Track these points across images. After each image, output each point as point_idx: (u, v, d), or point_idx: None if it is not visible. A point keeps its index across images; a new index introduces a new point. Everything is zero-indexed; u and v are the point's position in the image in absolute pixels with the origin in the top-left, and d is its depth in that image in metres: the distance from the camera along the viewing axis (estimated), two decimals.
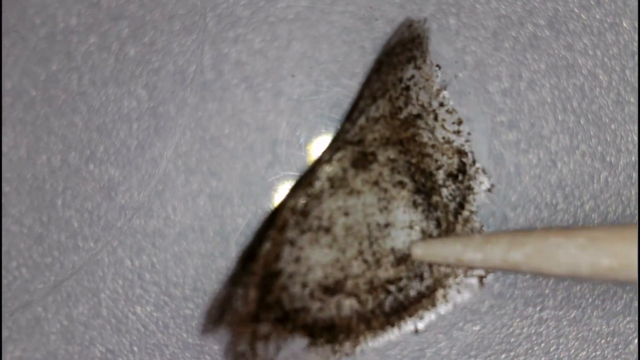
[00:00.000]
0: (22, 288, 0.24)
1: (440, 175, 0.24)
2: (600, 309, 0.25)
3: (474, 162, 0.24)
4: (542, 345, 0.25)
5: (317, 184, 0.23)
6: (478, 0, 0.25)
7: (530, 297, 0.25)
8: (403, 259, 0.23)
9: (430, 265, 0.23)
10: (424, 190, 0.23)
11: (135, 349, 0.24)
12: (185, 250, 0.24)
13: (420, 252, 0.22)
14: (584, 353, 0.25)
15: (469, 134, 0.24)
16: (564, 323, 0.25)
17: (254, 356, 0.23)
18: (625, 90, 0.25)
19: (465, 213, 0.24)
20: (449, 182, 0.24)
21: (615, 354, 0.25)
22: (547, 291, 0.25)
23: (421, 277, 0.24)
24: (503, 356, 0.25)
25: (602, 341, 0.25)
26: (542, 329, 0.25)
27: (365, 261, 0.23)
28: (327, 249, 0.23)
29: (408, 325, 0.24)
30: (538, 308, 0.25)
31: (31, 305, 0.24)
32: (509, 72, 0.25)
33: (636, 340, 0.25)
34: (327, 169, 0.23)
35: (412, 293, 0.24)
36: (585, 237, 0.18)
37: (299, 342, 0.23)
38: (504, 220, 0.25)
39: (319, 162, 0.24)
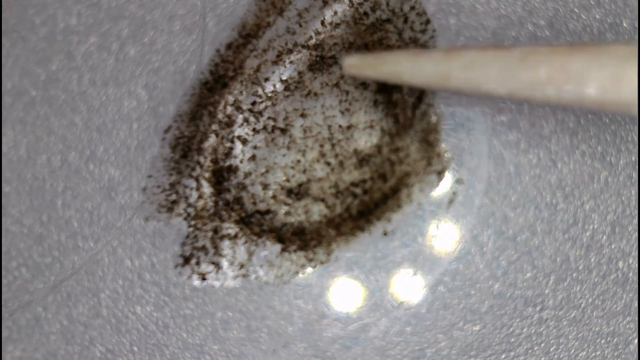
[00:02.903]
0: (22, 288, 0.24)
1: None
2: (600, 309, 0.25)
3: None
4: (542, 345, 0.25)
5: (268, 84, 0.23)
6: (478, 0, 0.25)
7: (530, 297, 0.25)
8: (365, 160, 0.23)
9: (392, 164, 0.23)
10: (386, 88, 0.23)
11: (135, 349, 0.24)
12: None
13: (353, 62, 0.21)
14: (584, 353, 0.25)
15: (434, 30, 0.24)
16: (564, 323, 0.25)
17: (218, 254, 0.23)
18: None
19: (423, 107, 0.24)
20: None
21: (615, 354, 0.25)
22: (547, 291, 0.25)
23: (384, 178, 0.24)
24: (503, 356, 0.25)
25: (602, 341, 0.25)
26: (542, 329, 0.25)
27: (328, 164, 0.23)
28: (285, 150, 0.23)
29: (377, 229, 0.24)
30: (538, 308, 0.25)
31: (31, 305, 0.24)
32: None
33: (636, 340, 0.25)
34: (279, 71, 0.23)
35: (377, 195, 0.24)
36: (525, 51, 0.16)
37: (271, 249, 0.23)
38: (504, 220, 0.25)
39: (263, 62, 0.23)
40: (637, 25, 0.24)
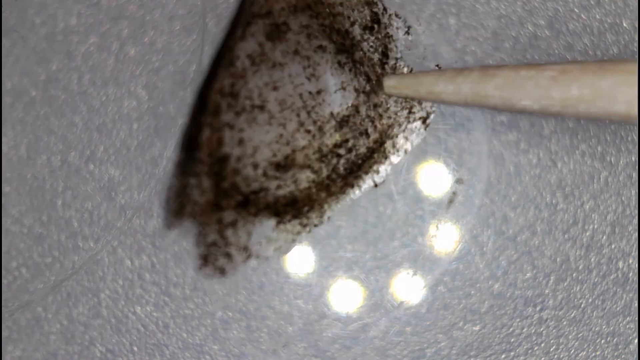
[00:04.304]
0: (22, 288, 0.24)
1: (357, 31, 0.24)
2: (600, 309, 0.25)
3: (384, 9, 0.24)
4: (542, 345, 0.25)
5: (238, 63, 0.23)
6: (478, 0, 0.25)
7: (530, 297, 0.25)
8: (344, 120, 0.23)
9: (373, 120, 0.23)
10: (345, 49, 0.23)
11: (135, 349, 0.24)
12: (185, 250, 0.24)
13: (393, 84, 0.22)
14: (584, 353, 0.25)
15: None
16: (564, 323, 0.25)
17: (227, 244, 0.23)
18: None
19: (391, 62, 0.24)
20: (366, 35, 0.24)
21: (615, 354, 0.25)
22: (547, 291, 0.25)
23: (367, 134, 0.24)
24: (503, 356, 0.25)
25: (602, 341, 0.25)
26: (542, 329, 0.25)
27: (308, 131, 0.23)
28: (267, 127, 0.23)
29: (367, 183, 0.24)
30: (538, 308, 0.25)
31: (31, 305, 0.24)
32: None
33: (636, 340, 0.25)
34: (244, 46, 0.23)
35: (362, 150, 0.24)
36: (556, 70, 0.18)
37: (267, 224, 0.23)
38: (504, 220, 0.25)
39: (233, 40, 0.23)
40: (637, 25, 0.24)
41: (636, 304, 0.24)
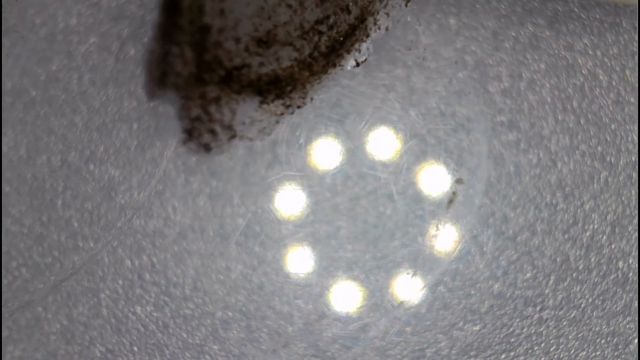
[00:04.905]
0: (22, 288, 0.24)
1: None
2: (600, 309, 0.25)
3: None
4: (542, 345, 0.25)
5: None
6: (478, 0, 0.25)
7: (530, 297, 0.25)
8: None
9: None
10: None
11: (135, 349, 0.24)
12: (185, 250, 0.24)
13: None
14: (584, 353, 0.25)
15: None
16: (564, 323, 0.25)
17: (211, 120, 0.23)
18: (625, 90, 0.25)
19: None
20: None
21: (615, 354, 0.25)
22: (547, 291, 0.25)
23: (348, 10, 0.23)
24: (503, 356, 0.25)
25: (602, 341, 0.25)
26: (542, 329, 0.25)
27: (289, 6, 0.23)
28: None
29: (349, 62, 0.24)
30: (538, 308, 0.25)
31: (31, 305, 0.24)
32: (509, 72, 0.25)
33: (636, 340, 0.25)
34: None
35: (344, 27, 0.24)
36: None
37: (250, 103, 0.23)
38: (504, 220, 0.25)
39: None
40: (637, 25, 0.24)
41: (636, 304, 0.25)
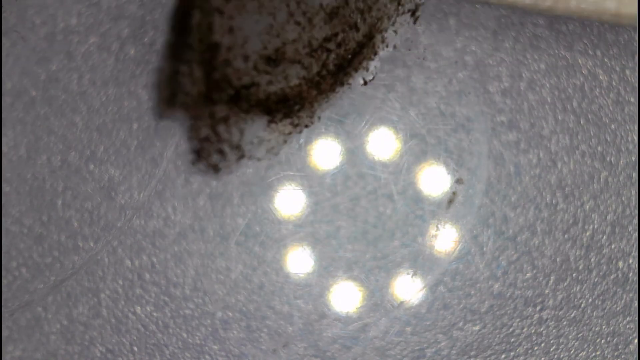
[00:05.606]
0: (22, 288, 0.24)
1: None
2: (600, 309, 0.25)
3: None
4: (542, 345, 0.25)
5: None
6: (478, 0, 0.25)
7: (530, 297, 0.25)
8: (334, 12, 0.23)
9: (362, 12, 0.23)
10: None
11: (135, 349, 0.24)
12: (185, 250, 0.24)
13: None
14: (584, 353, 0.25)
15: None
16: (564, 323, 0.25)
17: (219, 140, 0.23)
18: (625, 90, 0.25)
19: None
20: None
21: (615, 354, 0.25)
22: (547, 291, 0.25)
23: (356, 27, 0.23)
24: (503, 356, 0.25)
25: (602, 341, 0.25)
26: (542, 329, 0.25)
27: (298, 23, 0.23)
28: (256, 15, 0.23)
29: (357, 80, 0.24)
30: (538, 308, 0.25)
31: (31, 305, 0.24)
32: (509, 72, 0.25)
33: (636, 340, 0.25)
34: None
35: (352, 45, 0.23)
36: None
37: (258, 122, 0.23)
38: (504, 220, 0.25)
39: None
40: (637, 25, 0.24)
41: (636, 304, 0.25)
